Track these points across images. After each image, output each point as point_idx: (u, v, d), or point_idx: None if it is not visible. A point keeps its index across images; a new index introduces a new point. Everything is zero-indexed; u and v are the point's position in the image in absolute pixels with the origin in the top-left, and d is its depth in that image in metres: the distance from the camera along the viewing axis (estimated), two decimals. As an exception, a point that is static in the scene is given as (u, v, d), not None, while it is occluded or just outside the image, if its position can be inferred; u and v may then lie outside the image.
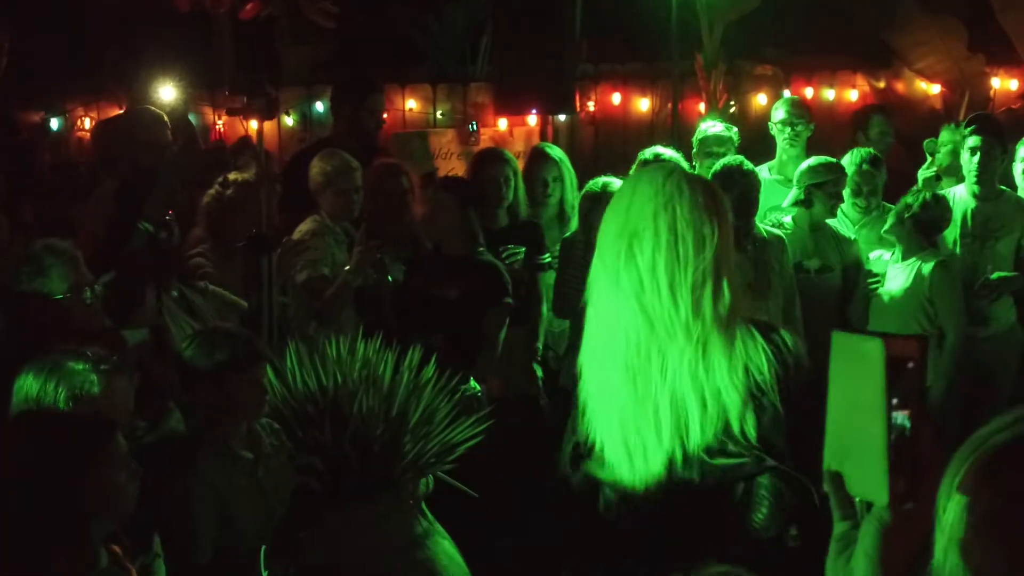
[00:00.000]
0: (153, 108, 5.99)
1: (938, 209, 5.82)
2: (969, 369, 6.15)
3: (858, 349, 1.52)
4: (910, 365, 1.50)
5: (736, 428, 2.97)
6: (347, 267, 5.36)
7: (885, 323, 5.83)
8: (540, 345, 6.09)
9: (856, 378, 1.52)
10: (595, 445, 3.05)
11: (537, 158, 6.40)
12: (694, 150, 6.57)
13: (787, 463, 3.02)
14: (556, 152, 6.45)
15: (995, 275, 5.96)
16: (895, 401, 1.50)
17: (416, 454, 3.97)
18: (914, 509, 1.52)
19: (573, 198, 6.24)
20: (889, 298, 5.86)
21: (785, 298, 5.82)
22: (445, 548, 4.12)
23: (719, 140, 6.53)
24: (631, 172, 6.09)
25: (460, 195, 5.65)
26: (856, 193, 6.20)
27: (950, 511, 1.46)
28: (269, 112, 5.31)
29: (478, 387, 5.32)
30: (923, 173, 6.80)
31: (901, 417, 1.51)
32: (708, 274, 2.98)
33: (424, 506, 4.13)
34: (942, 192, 6.27)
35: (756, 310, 5.58)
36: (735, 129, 6.68)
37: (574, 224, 6.07)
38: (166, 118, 5.79)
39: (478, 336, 5.55)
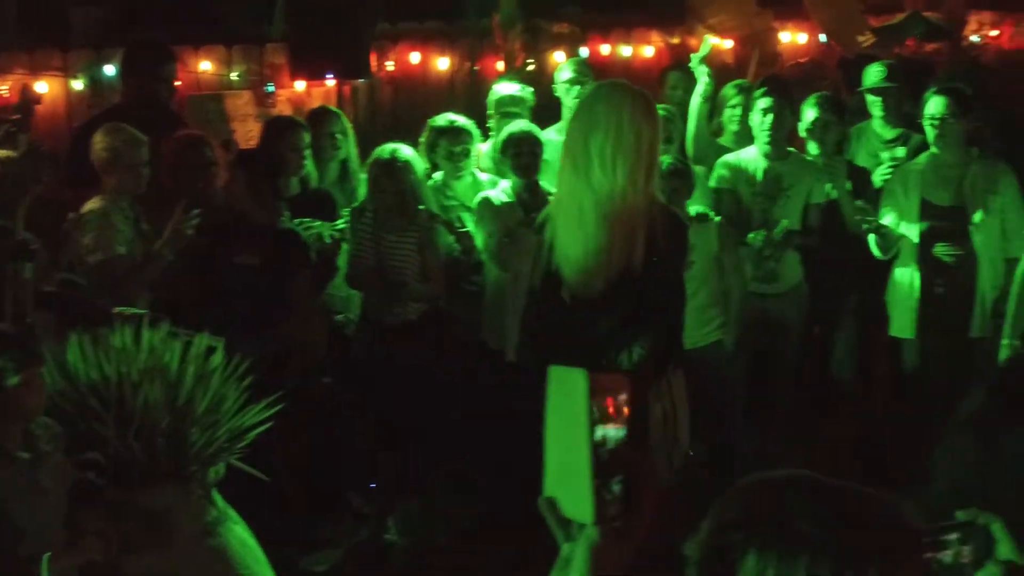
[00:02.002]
0: None
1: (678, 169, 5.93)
2: (759, 325, 6.40)
3: (567, 379, 1.61)
4: (622, 397, 1.60)
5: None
6: (160, 242, 5.28)
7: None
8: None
9: (566, 407, 1.61)
10: (559, 271, 4.38)
11: (320, 115, 6.42)
12: (490, 111, 6.62)
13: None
14: (335, 109, 6.56)
15: (779, 229, 6.16)
16: (606, 427, 1.59)
17: (204, 443, 3.96)
18: (623, 526, 1.62)
19: (355, 156, 6.34)
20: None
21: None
22: (238, 533, 4.13)
23: (514, 100, 6.60)
24: (422, 140, 6.15)
25: (259, 167, 5.61)
26: None
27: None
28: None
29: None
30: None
31: (612, 442, 1.60)
32: (642, 160, 4.18)
33: (216, 492, 4.13)
34: (734, 155, 6.48)
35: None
36: (530, 90, 6.75)
37: (361, 192, 6.07)
38: None
39: (281, 303, 5.54)
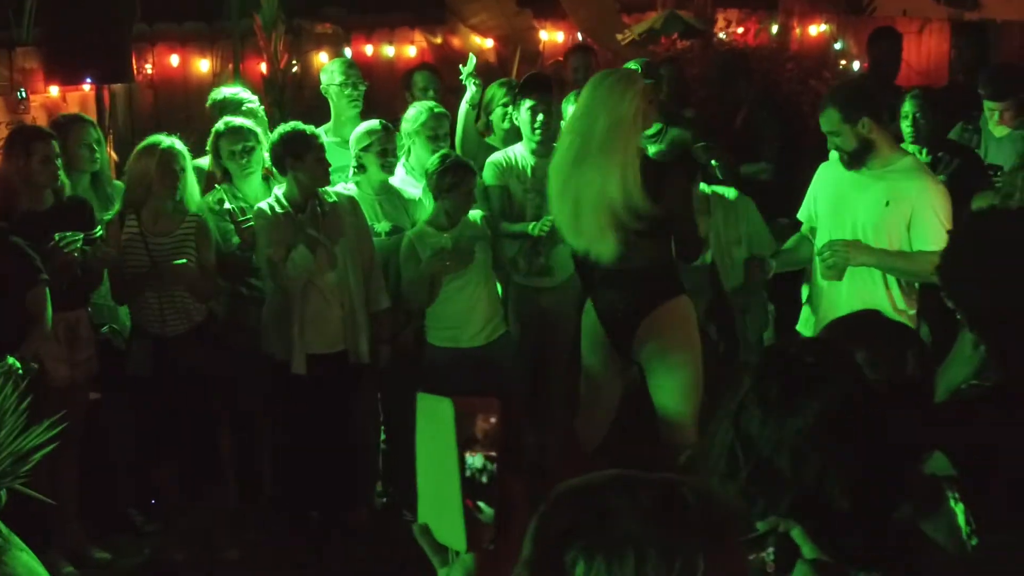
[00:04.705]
0: None
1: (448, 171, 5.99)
2: (536, 317, 6.54)
3: (434, 409, 1.61)
4: (492, 420, 1.61)
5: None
6: None
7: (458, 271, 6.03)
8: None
9: (435, 435, 1.61)
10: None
11: (72, 123, 6.12)
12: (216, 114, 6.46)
13: None
14: (87, 117, 6.34)
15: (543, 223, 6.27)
16: (477, 452, 1.60)
17: (-16, 470, 3.76)
18: (497, 549, 1.63)
19: (108, 163, 6.26)
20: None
21: (364, 260, 5.93)
22: (24, 561, 3.94)
23: (252, 111, 6.53)
24: (208, 144, 6.01)
25: None
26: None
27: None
28: None
29: (17, 363, 5.06)
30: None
31: (483, 465, 1.61)
32: (616, 135, 5.03)
33: (-2, 521, 3.93)
34: (503, 152, 6.57)
35: (324, 276, 5.71)
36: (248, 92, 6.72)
37: (118, 202, 5.87)
38: None
39: (16, 320, 5.29)
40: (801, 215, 5.77)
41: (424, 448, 1.66)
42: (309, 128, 5.89)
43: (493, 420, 1.61)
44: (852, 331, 2.75)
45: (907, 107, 6.40)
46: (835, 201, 5.48)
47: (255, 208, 5.88)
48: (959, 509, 2.47)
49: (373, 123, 6.17)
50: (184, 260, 5.68)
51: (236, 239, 5.91)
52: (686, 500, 1.62)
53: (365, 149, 6.12)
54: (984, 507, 2.51)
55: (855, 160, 5.35)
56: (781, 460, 2.20)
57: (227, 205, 6.00)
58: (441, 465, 1.60)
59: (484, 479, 1.60)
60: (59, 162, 5.71)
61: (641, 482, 1.64)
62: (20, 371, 5.00)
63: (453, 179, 5.87)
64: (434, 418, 1.62)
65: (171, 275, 5.65)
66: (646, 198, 5.12)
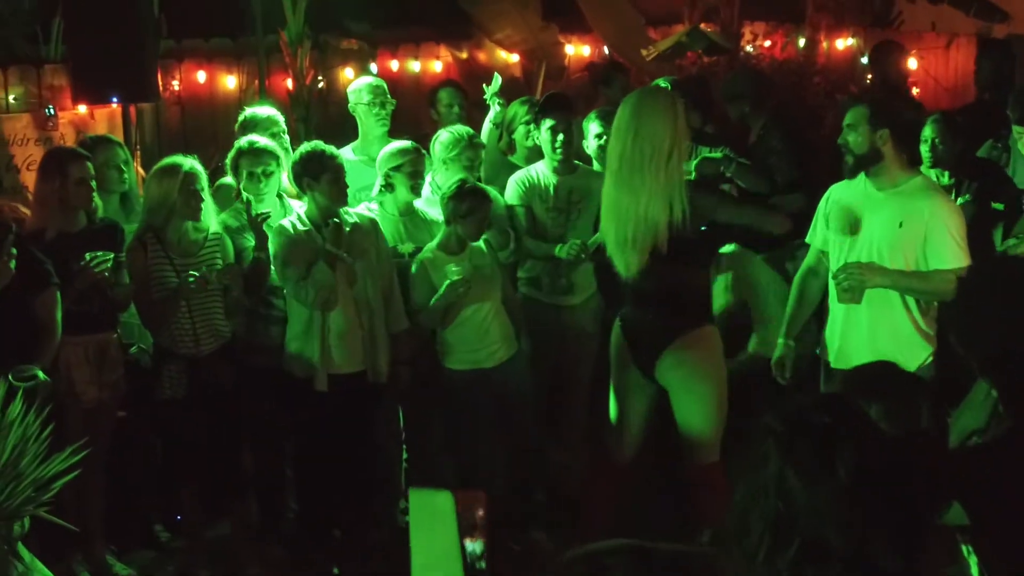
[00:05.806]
0: None
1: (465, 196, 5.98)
2: (557, 335, 6.54)
3: (430, 502, 1.62)
4: (480, 512, 1.62)
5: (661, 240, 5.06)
6: None
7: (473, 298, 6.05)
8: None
9: (433, 527, 1.62)
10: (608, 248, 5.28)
11: (100, 145, 6.17)
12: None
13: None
14: (114, 138, 6.37)
15: (593, 240, 6.22)
16: (477, 538, 1.62)
17: (7, 497, 3.79)
18: None
19: (136, 183, 6.29)
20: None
21: (384, 280, 5.94)
22: (46, 587, 3.99)
23: (272, 121, 6.53)
24: (228, 158, 6.03)
25: None
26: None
27: None
28: None
29: (43, 375, 5.10)
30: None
31: (482, 551, 1.62)
32: (663, 156, 4.98)
33: (21, 546, 3.97)
34: (525, 171, 6.57)
35: (344, 295, 5.72)
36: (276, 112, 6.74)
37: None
38: None
39: (30, 325, 5.32)
40: (811, 239, 5.74)
41: (420, 542, 1.66)
42: (329, 148, 5.84)
43: (480, 512, 1.63)
44: (867, 384, 2.75)
45: (927, 131, 6.42)
46: (849, 223, 5.46)
47: (277, 226, 5.89)
48: (972, 561, 2.47)
49: (405, 144, 6.16)
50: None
51: (252, 254, 5.91)
52: (692, 568, 1.63)
53: (396, 169, 6.11)
54: (998, 554, 2.51)
55: (857, 167, 5.34)
56: (828, 529, 2.14)
57: (255, 209, 5.99)
58: (441, 556, 1.61)
59: (482, 565, 1.62)
60: (94, 183, 5.74)
61: (649, 551, 1.65)
62: (46, 381, 5.04)
63: (470, 205, 5.87)
64: (431, 510, 1.63)
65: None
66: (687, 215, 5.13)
